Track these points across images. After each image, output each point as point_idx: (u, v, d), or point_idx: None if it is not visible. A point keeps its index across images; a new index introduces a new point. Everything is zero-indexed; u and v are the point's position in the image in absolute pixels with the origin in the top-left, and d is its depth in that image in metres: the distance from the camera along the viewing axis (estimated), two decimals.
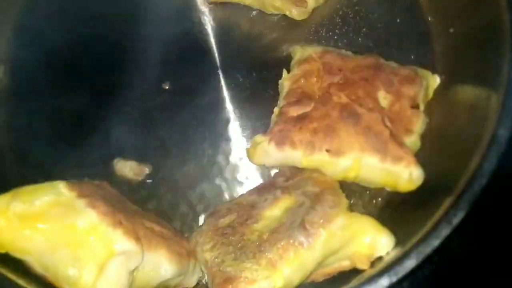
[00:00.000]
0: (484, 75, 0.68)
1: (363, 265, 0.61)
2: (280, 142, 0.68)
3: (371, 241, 0.61)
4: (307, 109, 0.69)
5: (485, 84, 0.67)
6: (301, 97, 0.70)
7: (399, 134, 0.69)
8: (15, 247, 0.55)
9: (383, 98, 0.71)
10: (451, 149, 0.71)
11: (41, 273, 0.57)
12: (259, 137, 0.70)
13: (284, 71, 0.76)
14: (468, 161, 0.60)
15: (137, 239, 0.58)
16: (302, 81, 0.72)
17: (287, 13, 0.81)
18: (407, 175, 0.67)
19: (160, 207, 0.76)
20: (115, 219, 0.57)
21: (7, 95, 0.82)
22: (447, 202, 0.58)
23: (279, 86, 0.76)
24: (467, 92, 0.73)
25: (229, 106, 0.82)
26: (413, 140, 0.70)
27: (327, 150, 0.67)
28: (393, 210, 0.73)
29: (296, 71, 0.74)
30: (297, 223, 0.59)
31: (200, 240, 0.64)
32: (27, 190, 0.58)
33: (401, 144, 0.68)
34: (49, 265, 0.56)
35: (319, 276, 0.64)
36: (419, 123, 0.71)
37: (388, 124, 0.69)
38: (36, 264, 0.56)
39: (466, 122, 0.70)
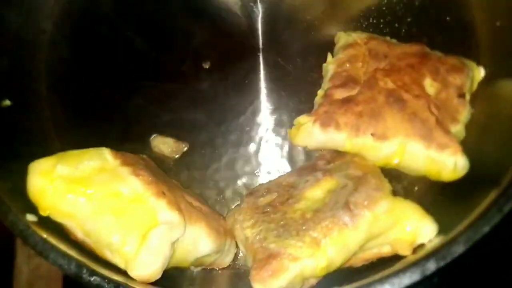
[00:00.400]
0: None
1: (405, 251, 0.60)
2: (325, 124, 0.67)
3: (414, 227, 0.60)
4: (353, 92, 0.68)
5: None
6: (347, 81, 0.69)
7: (445, 122, 0.68)
8: (58, 210, 0.55)
9: (430, 85, 0.69)
10: (494, 141, 0.69)
11: (82, 239, 0.56)
12: (303, 118, 0.69)
13: (329, 55, 0.75)
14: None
15: (180, 210, 0.57)
16: (348, 65, 0.71)
17: None
18: (452, 164, 0.66)
19: (195, 186, 0.75)
20: (158, 189, 0.57)
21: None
22: (493, 193, 0.56)
23: (323, 70, 0.75)
24: (511, 87, 0.72)
25: (267, 88, 0.81)
26: (458, 130, 0.69)
27: (372, 134, 0.66)
28: (434, 198, 0.71)
29: (341, 55, 0.73)
30: (341, 204, 0.59)
31: (240, 218, 0.64)
32: (73, 154, 0.58)
33: (447, 132, 0.66)
34: (91, 231, 0.55)
35: (358, 261, 0.63)
36: (465, 113, 0.69)
37: (434, 111, 0.68)
38: (78, 229, 0.56)
39: (509, 116, 0.68)
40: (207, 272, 0.70)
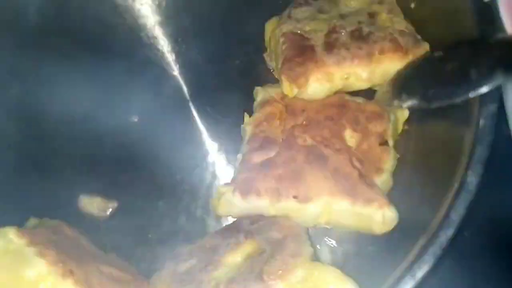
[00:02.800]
0: (457, 115, 0.66)
1: None
2: (245, 192, 0.65)
3: None
4: (271, 154, 0.67)
5: (458, 124, 0.64)
6: (264, 142, 0.68)
7: (369, 174, 0.67)
8: None
9: (350, 137, 0.69)
10: (422, 190, 0.68)
11: None
12: (222, 187, 0.67)
13: (246, 115, 0.74)
14: (438, 206, 0.58)
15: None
16: (265, 124, 0.70)
17: None
18: (380, 217, 0.65)
19: (123, 245, 0.73)
20: (65, 268, 0.55)
21: None
22: (413, 252, 0.55)
23: (241, 131, 0.74)
24: (441, 129, 0.71)
25: (202, 139, 0.80)
26: (384, 179, 0.68)
27: (294, 197, 0.65)
28: (360, 256, 0.70)
29: (258, 114, 0.72)
30: (255, 274, 0.57)
31: (158, 286, 0.62)
32: None
33: (371, 186, 0.66)
34: None
35: None
36: (389, 161, 0.69)
37: (357, 164, 0.67)
38: None
39: (438, 162, 0.68)
40: None
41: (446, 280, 0.70)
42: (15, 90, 0.82)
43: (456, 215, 0.55)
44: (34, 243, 0.57)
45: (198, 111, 0.82)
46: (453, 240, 0.54)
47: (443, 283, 0.70)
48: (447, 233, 0.54)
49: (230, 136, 0.79)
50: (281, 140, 0.68)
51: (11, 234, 0.57)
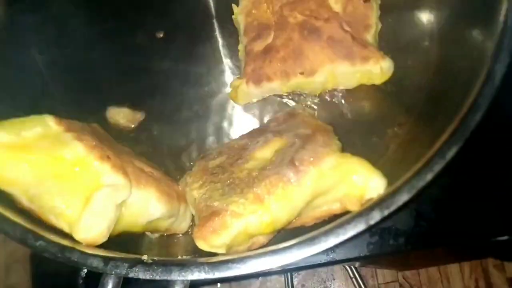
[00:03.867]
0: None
1: (354, 206, 0.59)
2: (257, 80, 0.72)
3: (362, 183, 0.59)
4: (269, 40, 0.73)
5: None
6: (260, 30, 0.73)
7: (359, 34, 0.73)
8: (1, 178, 0.55)
9: (335, 3, 0.73)
10: (448, 82, 0.70)
11: (28, 206, 0.56)
12: (236, 81, 0.73)
13: (234, 6, 0.77)
14: (464, 96, 0.58)
15: (125, 173, 0.57)
16: (254, 12, 0.74)
17: None
18: (378, 70, 0.72)
19: (152, 153, 0.74)
20: (102, 153, 0.57)
21: None
22: (441, 139, 0.56)
23: (234, 23, 0.78)
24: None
25: (223, 53, 0.81)
26: (373, 33, 0.74)
27: (301, 73, 0.71)
28: (387, 158, 0.71)
29: (245, 2, 0.76)
30: (286, 161, 0.58)
31: (190, 180, 0.64)
32: (14, 121, 0.57)
33: (365, 44, 0.72)
34: (35, 197, 0.55)
35: (310, 220, 0.63)
36: (374, 14, 0.74)
37: (347, 28, 0.73)
38: (22, 196, 0.56)
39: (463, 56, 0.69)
40: (167, 238, 0.70)
41: None
42: None
43: (484, 100, 0.56)
44: (71, 130, 0.58)
45: (220, 28, 0.82)
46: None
47: None
48: (475, 117, 0.55)
49: None
50: (273, 22, 0.72)
51: (50, 121, 0.58)
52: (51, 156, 0.55)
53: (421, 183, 0.54)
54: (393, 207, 0.53)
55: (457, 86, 0.63)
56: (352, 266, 1.53)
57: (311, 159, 0.58)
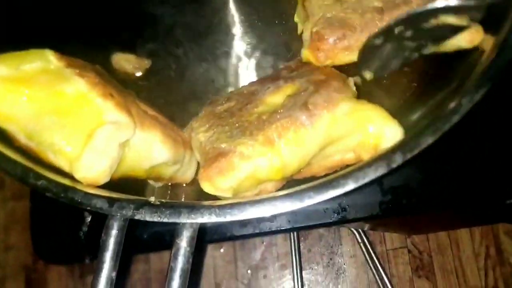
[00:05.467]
0: None
1: (368, 156, 0.57)
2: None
3: (378, 131, 0.56)
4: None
5: None
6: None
7: None
8: None
9: None
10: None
11: (25, 143, 0.54)
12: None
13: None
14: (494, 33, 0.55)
15: (129, 112, 0.54)
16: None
17: None
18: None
19: (157, 101, 0.72)
20: (105, 90, 0.54)
21: None
22: (467, 82, 0.53)
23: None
24: None
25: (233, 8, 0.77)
26: None
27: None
28: (407, 107, 0.68)
29: None
30: (299, 105, 0.56)
31: (196, 125, 0.61)
32: (13, 55, 0.54)
33: None
34: (33, 133, 0.52)
35: (321, 170, 0.61)
36: None
37: None
38: (20, 133, 0.53)
39: None
40: (171, 188, 0.68)
41: None
42: None
43: None
44: (74, 66, 0.55)
45: None
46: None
47: None
48: (505, 57, 0.51)
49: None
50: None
51: (51, 55, 0.55)
52: (51, 90, 0.52)
53: (446, 125, 0.50)
54: (416, 150, 0.50)
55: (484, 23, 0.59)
56: (360, 230, 1.52)
57: (325, 103, 0.55)
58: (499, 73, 0.51)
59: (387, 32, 0.60)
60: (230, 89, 0.72)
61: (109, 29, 0.76)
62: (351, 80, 0.61)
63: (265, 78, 0.67)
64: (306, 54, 0.65)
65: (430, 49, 0.63)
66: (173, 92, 0.73)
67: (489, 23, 0.58)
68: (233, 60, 0.75)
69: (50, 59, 0.55)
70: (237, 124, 0.56)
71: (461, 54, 0.62)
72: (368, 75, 0.66)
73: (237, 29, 0.76)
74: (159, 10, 0.77)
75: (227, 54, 0.75)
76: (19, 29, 0.74)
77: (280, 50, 0.75)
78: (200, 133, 0.58)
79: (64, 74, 0.54)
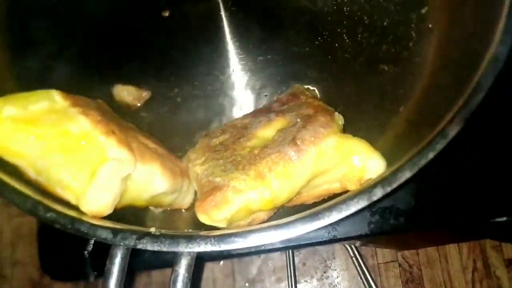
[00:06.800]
0: None
1: (353, 186, 0.61)
2: None
3: (363, 163, 0.61)
4: None
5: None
6: None
7: None
8: (8, 150, 0.56)
9: None
10: (452, 63, 0.70)
11: (35, 178, 0.58)
12: None
13: None
14: (467, 77, 0.59)
15: (130, 148, 0.58)
16: None
17: None
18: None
19: (156, 131, 0.75)
20: (108, 128, 0.58)
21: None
22: (443, 119, 0.57)
23: None
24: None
25: (228, 35, 0.81)
26: None
27: None
28: (388, 138, 0.73)
29: None
30: (288, 140, 0.60)
31: (193, 157, 0.65)
32: (21, 95, 0.58)
33: None
34: (42, 170, 0.56)
35: (310, 199, 0.65)
36: None
37: None
38: (29, 168, 0.57)
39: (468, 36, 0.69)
40: (170, 213, 0.72)
41: None
42: None
43: (487, 81, 0.56)
44: (78, 104, 0.59)
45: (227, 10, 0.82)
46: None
47: None
48: (478, 98, 0.56)
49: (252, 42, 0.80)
50: None
51: (56, 95, 0.59)
52: (57, 129, 0.56)
53: (423, 161, 0.55)
54: (395, 184, 0.54)
55: (459, 68, 0.64)
56: (352, 246, 1.56)
57: (312, 138, 0.59)
58: (473, 112, 0.55)
59: None
60: (225, 120, 0.76)
61: (111, 61, 0.79)
62: (337, 115, 0.64)
63: (258, 111, 0.71)
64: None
65: None
66: (172, 123, 0.77)
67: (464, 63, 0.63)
68: (230, 92, 0.79)
69: (56, 98, 0.59)
70: (230, 158, 0.60)
71: (433, 97, 0.66)
72: None
73: (234, 63, 0.80)
74: (158, 42, 0.80)
75: (224, 87, 0.79)
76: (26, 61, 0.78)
77: (274, 84, 0.79)
78: (197, 165, 0.62)
79: (69, 113, 0.58)
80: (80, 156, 0.56)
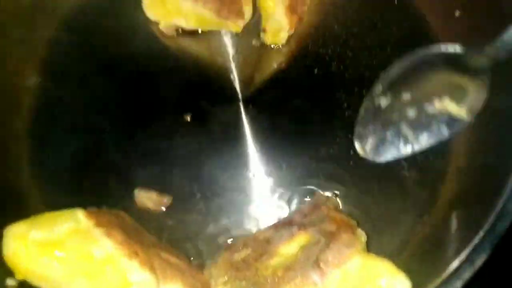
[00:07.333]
0: None
1: None
2: None
3: (387, 284, 0.60)
4: None
5: None
6: None
7: None
8: (32, 274, 0.56)
9: None
10: (477, 187, 0.69)
11: None
12: None
13: None
14: (493, 200, 0.58)
15: (152, 269, 0.58)
16: None
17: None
18: None
19: (177, 238, 0.75)
20: (130, 249, 0.58)
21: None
22: (469, 245, 0.56)
23: None
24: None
25: (250, 139, 0.82)
26: None
27: None
28: (411, 251, 0.71)
29: None
30: (311, 261, 0.59)
31: (215, 273, 0.65)
32: (47, 217, 0.59)
33: None
34: None
35: None
36: None
37: None
38: None
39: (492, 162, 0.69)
40: None
41: None
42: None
43: None
44: (101, 224, 0.60)
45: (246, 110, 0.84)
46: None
47: None
48: (504, 223, 0.55)
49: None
50: None
51: (80, 215, 0.60)
52: (81, 253, 0.57)
53: None
54: None
55: (485, 188, 0.64)
56: None
57: (336, 260, 0.59)
58: (497, 240, 0.54)
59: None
60: (247, 227, 0.76)
61: (133, 164, 0.80)
62: (360, 231, 0.64)
63: (280, 223, 0.71)
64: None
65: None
66: (194, 228, 0.76)
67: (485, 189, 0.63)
68: (251, 198, 0.79)
69: (80, 218, 0.60)
70: (253, 280, 0.60)
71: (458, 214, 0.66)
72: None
73: (254, 167, 0.81)
74: (180, 147, 0.82)
75: (246, 192, 0.79)
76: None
77: (295, 188, 0.79)
78: (220, 285, 0.61)
79: (93, 235, 0.59)
80: (103, 280, 0.57)
